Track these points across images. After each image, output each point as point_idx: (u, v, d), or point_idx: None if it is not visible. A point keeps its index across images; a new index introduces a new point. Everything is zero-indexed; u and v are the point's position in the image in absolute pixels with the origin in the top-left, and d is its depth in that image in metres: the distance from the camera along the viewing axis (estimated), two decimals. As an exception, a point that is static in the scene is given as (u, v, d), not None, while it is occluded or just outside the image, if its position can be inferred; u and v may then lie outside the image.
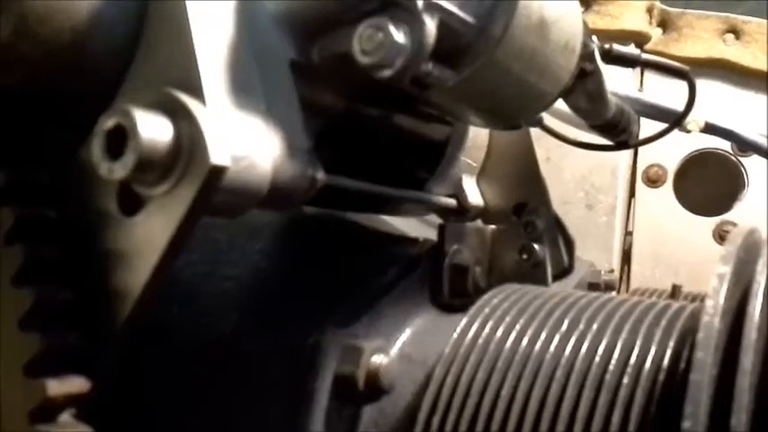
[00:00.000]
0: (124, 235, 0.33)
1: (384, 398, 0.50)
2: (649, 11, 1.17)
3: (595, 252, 1.11)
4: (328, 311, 0.51)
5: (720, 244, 1.15)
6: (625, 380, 0.44)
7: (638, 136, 0.71)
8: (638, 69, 1.16)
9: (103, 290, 0.33)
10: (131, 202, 0.33)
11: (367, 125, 0.55)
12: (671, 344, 0.45)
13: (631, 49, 0.58)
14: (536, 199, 0.69)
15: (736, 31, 1.14)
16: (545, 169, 0.71)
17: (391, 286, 0.57)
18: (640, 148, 1.07)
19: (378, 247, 0.61)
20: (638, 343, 0.46)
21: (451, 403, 0.46)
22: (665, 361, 0.44)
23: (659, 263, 1.17)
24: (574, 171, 1.17)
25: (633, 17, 1.14)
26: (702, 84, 1.17)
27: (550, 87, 0.52)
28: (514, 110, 0.52)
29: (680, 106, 0.69)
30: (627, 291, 1.15)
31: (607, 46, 0.59)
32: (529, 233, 0.67)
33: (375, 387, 0.49)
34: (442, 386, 0.47)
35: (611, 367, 0.45)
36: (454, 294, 0.61)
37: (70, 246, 0.34)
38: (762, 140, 0.72)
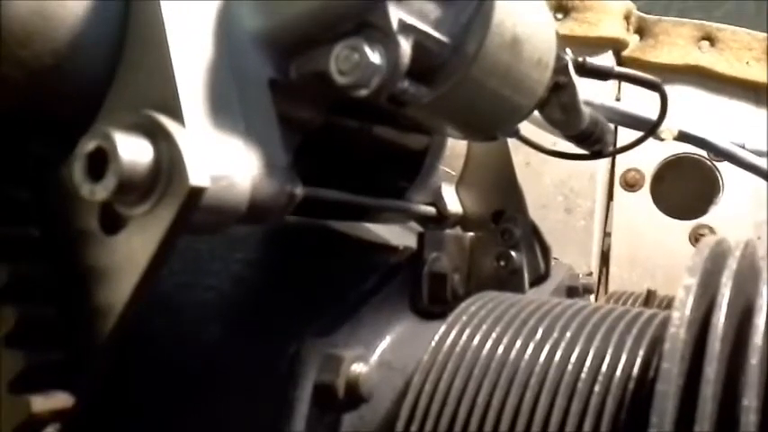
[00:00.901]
0: (106, 253, 0.34)
1: (364, 405, 0.51)
2: (627, 18, 1.19)
3: (574, 255, 1.13)
4: (309, 320, 0.52)
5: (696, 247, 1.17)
6: (596, 388, 0.45)
7: (613, 145, 0.72)
8: (615, 76, 1.18)
9: (86, 306, 0.34)
10: (112, 221, 0.34)
11: (345, 137, 0.56)
12: (641, 352, 0.46)
13: (605, 62, 0.60)
14: (513, 207, 0.70)
15: (711, 39, 1.16)
16: (524, 174, 0.72)
17: (371, 294, 0.58)
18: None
19: (358, 256, 0.62)
20: (610, 351, 0.47)
21: (429, 411, 0.48)
22: (635, 369, 0.45)
23: (637, 265, 1.19)
24: (553, 176, 1.19)
25: (611, 24, 1.16)
26: (678, 89, 1.20)
27: (525, 101, 0.53)
28: (490, 123, 0.53)
29: (656, 113, 0.71)
30: (605, 293, 1.17)
31: (581, 59, 0.60)
32: (506, 240, 0.68)
33: (355, 395, 0.50)
34: (420, 394, 0.48)
35: (583, 375, 0.46)
36: (433, 301, 0.62)
37: (52, 263, 0.35)
38: (734, 148, 0.74)
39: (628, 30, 1.19)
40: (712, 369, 0.38)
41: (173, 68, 0.35)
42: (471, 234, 0.70)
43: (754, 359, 0.37)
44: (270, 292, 0.55)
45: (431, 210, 0.69)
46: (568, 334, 0.50)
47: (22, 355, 0.32)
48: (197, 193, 0.33)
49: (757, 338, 0.38)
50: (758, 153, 0.77)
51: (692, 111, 1.15)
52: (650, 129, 0.66)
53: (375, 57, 0.39)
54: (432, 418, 0.47)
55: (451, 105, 0.48)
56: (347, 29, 0.40)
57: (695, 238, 1.17)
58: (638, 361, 0.46)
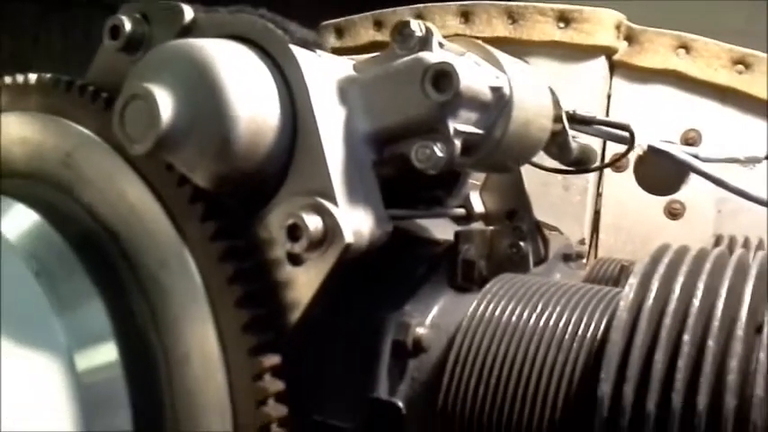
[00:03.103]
0: (292, 277, 0.60)
1: (423, 355, 0.78)
2: (618, 27, 1.41)
3: (570, 225, 1.37)
4: (386, 298, 0.79)
5: (669, 218, 1.43)
6: (575, 345, 0.72)
7: (597, 158, 0.97)
8: (607, 75, 1.42)
9: (281, 309, 0.60)
10: (295, 258, 0.60)
11: (408, 175, 0.81)
12: (604, 321, 0.73)
13: (589, 113, 0.84)
14: (522, 207, 0.96)
15: (686, 47, 1.38)
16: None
17: (424, 277, 0.84)
18: (608, 141, 1.31)
19: (414, 249, 0.88)
20: (584, 320, 0.73)
21: (467, 359, 0.74)
22: (600, 333, 0.72)
23: (621, 233, 1.45)
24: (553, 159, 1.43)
25: (604, 34, 1.38)
26: (659, 89, 1.43)
27: (534, 150, 0.78)
28: (510, 166, 0.79)
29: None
30: (596, 255, 1.43)
31: (571, 111, 0.84)
32: (517, 234, 0.94)
33: (418, 348, 0.77)
34: (461, 348, 0.75)
35: (566, 337, 0.72)
36: (465, 280, 0.88)
37: (264, 282, 0.60)
38: (689, 159, 0.98)
39: (618, 37, 1.41)
40: (640, 338, 0.64)
41: (328, 168, 0.60)
42: (491, 228, 0.95)
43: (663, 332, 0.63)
44: (359, 279, 0.81)
45: (462, 211, 0.95)
46: (558, 308, 0.76)
47: (254, 337, 0.59)
48: (349, 246, 0.58)
49: (664, 332, 0.64)
50: (708, 159, 1.01)
51: (670, 107, 1.39)
52: (623, 154, 0.91)
53: (439, 152, 0.64)
54: (469, 364, 0.74)
55: (484, 163, 0.73)
56: (421, 132, 0.65)
57: (669, 211, 1.42)
58: (602, 327, 0.72)
